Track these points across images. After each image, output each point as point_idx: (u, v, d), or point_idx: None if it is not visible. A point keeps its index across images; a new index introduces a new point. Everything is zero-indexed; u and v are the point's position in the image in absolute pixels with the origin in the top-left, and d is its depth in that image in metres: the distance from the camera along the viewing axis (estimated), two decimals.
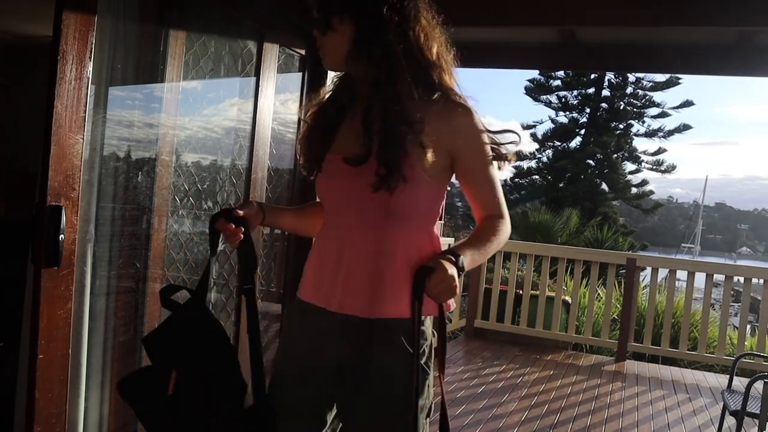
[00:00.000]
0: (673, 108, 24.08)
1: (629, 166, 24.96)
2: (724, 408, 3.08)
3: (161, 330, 1.34)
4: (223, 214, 1.31)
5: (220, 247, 2.64)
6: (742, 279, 5.17)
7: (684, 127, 24.16)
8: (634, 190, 24.68)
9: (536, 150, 26.02)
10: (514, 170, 26.60)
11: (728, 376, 3.35)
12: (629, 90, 24.19)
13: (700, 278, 5.43)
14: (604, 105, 24.55)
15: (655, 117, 24.26)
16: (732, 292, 5.47)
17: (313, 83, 3.10)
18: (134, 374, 1.34)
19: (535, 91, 24.92)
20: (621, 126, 24.68)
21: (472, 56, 4.71)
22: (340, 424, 1.40)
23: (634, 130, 24.78)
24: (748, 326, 5.82)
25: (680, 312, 5.77)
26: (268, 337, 3.04)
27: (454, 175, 1.37)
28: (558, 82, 24.68)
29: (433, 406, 1.34)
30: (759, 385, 2.73)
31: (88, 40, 1.79)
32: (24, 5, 3.01)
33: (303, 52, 3.03)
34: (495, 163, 1.34)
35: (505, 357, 5.09)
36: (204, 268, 1.38)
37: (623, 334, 5.30)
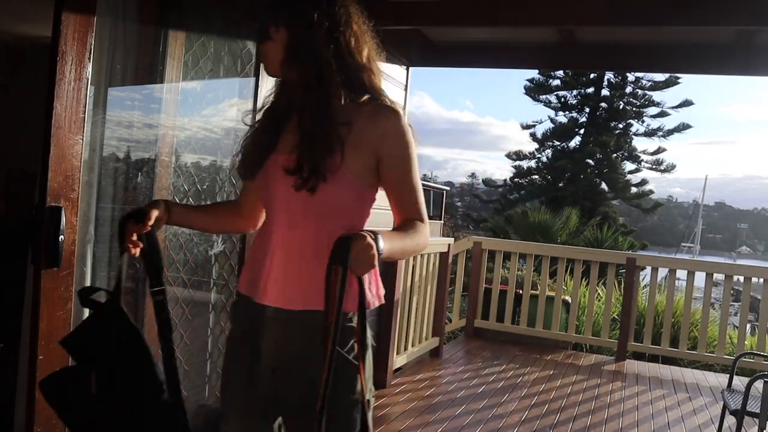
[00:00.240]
0: (673, 107, 24.10)
1: (629, 166, 24.99)
2: (724, 407, 3.08)
3: (79, 330, 1.38)
4: (133, 215, 1.34)
5: (219, 248, 2.64)
6: (741, 278, 5.17)
7: (683, 127, 24.17)
8: (633, 189, 24.68)
9: (536, 150, 26.04)
10: (513, 170, 26.63)
11: (728, 376, 3.35)
12: (629, 89, 24.20)
13: (699, 277, 5.43)
14: (603, 104, 24.56)
15: (654, 116, 24.28)
16: (732, 292, 5.47)
17: None
18: (56, 374, 1.36)
19: (534, 90, 24.93)
20: (620, 125, 24.69)
21: (472, 56, 4.75)
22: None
23: (633, 129, 24.80)
24: (748, 325, 5.82)
25: (680, 311, 5.77)
26: None
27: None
28: (557, 82, 24.69)
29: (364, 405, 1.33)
30: (759, 385, 2.73)
31: (87, 40, 1.79)
32: (23, 6, 3.01)
33: None
34: (419, 169, 1.38)
35: (505, 357, 5.09)
36: (117, 268, 1.40)
37: (623, 333, 5.30)
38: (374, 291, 1.39)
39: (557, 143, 25.58)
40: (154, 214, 1.34)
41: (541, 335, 5.60)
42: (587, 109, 24.79)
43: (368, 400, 1.32)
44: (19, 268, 1.95)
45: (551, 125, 25.47)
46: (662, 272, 5.74)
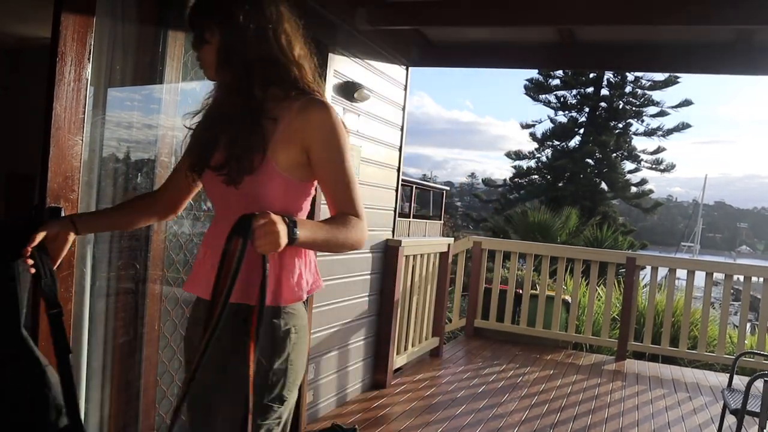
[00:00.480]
0: (672, 107, 24.11)
1: (628, 165, 24.99)
2: (725, 407, 3.08)
3: None
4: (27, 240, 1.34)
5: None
6: (741, 277, 5.17)
7: (683, 126, 24.18)
8: (633, 189, 24.69)
9: (535, 149, 26.04)
10: (513, 170, 26.64)
11: (728, 375, 3.35)
12: (628, 89, 24.21)
13: (699, 277, 5.43)
14: (603, 104, 24.56)
15: (654, 116, 24.29)
16: (732, 291, 5.47)
17: None
18: None
19: (534, 90, 24.94)
20: (620, 125, 24.70)
21: (472, 56, 4.75)
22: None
23: (633, 129, 24.81)
24: (748, 325, 5.82)
25: (680, 311, 5.77)
26: None
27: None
28: (557, 82, 24.70)
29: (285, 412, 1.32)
30: (759, 384, 2.73)
31: (86, 41, 1.79)
32: (23, 7, 3.01)
33: None
34: (352, 161, 1.37)
35: (505, 357, 5.09)
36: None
37: (623, 333, 5.30)
38: (298, 282, 1.35)
39: (557, 143, 25.59)
40: (39, 236, 1.35)
41: (541, 335, 5.60)
42: (587, 109, 24.80)
43: (270, 407, 1.29)
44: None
45: (551, 125, 25.50)
46: (662, 272, 5.74)
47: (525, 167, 26.27)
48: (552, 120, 25.44)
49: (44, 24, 1.78)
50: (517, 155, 26.55)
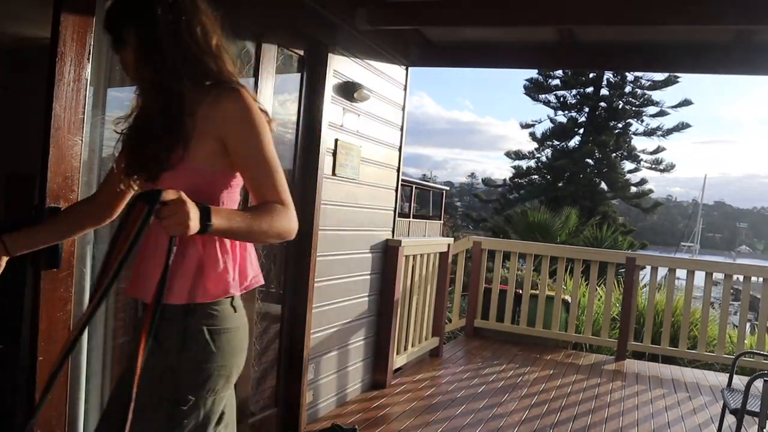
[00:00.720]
0: (672, 107, 24.12)
1: (628, 165, 25.00)
2: (724, 406, 3.08)
3: None
4: None
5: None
6: (741, 277, 5.17)
7: (683, 126, 24.19)
8: (633, 189, 24.69)
9: (535, 149, 26.04)
10: (513, 170, 26.64)
11: (728, 375, 3.36)
12: (628, 89, 24.21)
13: (699, 277, 5.43)
14: (602, 104, 24.56)
15: (653, 116, 24.29)
16: (731, 291, 5.48)
17: (312, 83, 3.10)
18: None
19: (533, 90, 24.94)
20: (620, 125, 24.70)
21: (471, 56, 4.74)
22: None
23: (632, 129, 24.81)
24: (748, 324, 5.82)
25: (680, 311, 5.77)
26: (268, 337, 3.04)
27: None
28: (557, 82, 24.70)
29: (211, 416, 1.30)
30: (759, 384, 2.73)
31: (86, 41, 1.79)
32: (22, 7, 3.01)
33: (302, 52, 3.03)
34: (273, 148, 1.33)
35: (505, 356, 5.10)
36: None
37: (623, 333, 5.30)
38: (221, 278, 1.30)
39: (557, 143, 25.59)
40: None
41: (541, 335, 5.60)
42: (586, 109, 24.80)
43: (178, 410, 1.26)
44: (18, 269, 1.95)
45: (550, 125, 25.50)
46: (662, 271, 5.74)
47: (525, 167, 26.27)
48: (552, 120, 25.45)
49: (44, 24, 1.78)
50: (516, 155, 26.55)
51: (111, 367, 2.14)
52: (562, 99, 24.95)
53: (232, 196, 1.36)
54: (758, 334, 5.26)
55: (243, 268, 1.36)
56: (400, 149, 4.14)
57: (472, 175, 76.23)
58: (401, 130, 4.13)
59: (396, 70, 4.00)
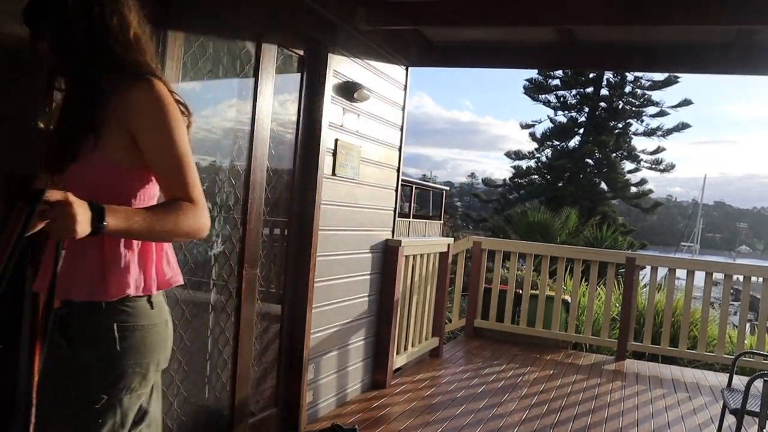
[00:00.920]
0: (672, 107, 24.13)
1: (628, 165, 25.01)
2: (724, 406, 3.08)
3: None
4: None
5: (219, 248, 2.64)
6: (741, 277, 5.17)
7: (683, 126, 24.20)
8: (633, 189, 24.70)
9: (535, 149, 26.05)
10: (513, 170, 26.65)
11: (728, 375, 3.36)
12: (628, 89, 24.22)
13: (699, 277, 5.43)
14: (602, 104, 24.57)
15: (653, 116, 24.30)
16: (731, 291, 5.48)
17: (312, 83, 3.10)
18: None
19: (533, 90, 24.94)
20: (620, 125, 24.71)
21: (471, 56, 4.74)
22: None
23: (632, 129, 24.82)
24: (748, 325, 5.82)
25: (680, 311, 5.78)
26: (268, 337, 3.04)
27: None
28: (557, 82, 24.71)
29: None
30: (759, 384, 2.73)
31: None
32: (22, 7, 3.01)
33: (301, 52, 3.03)
34: (186, 143, 1.27)
35: (505, 357, 5.10)
36: None
37: (623, 333, 5.30)
38: (123, 276, 1.25)
39: (556, 143, 25.60)
40: None
41: (540, 335, 5.60)
42: (586, 109, 24.81)
43: (89, 408, 1.24)
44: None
45: (550, 125, 25.51)
46: (662, 272, 5.74)
47: (525, 167, 26.28)
48: (552, 120, 25.46)
49: None
50: (516, 155, 26.56)
51: None
52: (562, 99, 24.96)
53: (147, 193, 1.31)
54: (758, 334, 5.26)
55: (159, 267, 1.32)
56: (400, 149, 4.14)
57: (472, 175, 76.25)
58: (401, 130, 4.13)
59: (396, 70, 4.00)
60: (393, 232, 4.09)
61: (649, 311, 5.35)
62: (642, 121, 24.53)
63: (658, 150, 24.85)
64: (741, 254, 69.58)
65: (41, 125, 1.41)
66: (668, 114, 24.11)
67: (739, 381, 3.34)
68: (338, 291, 3.46)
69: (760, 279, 5.06)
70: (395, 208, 4.13)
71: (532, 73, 24.96)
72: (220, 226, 2.63)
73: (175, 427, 2.45)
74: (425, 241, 6.51)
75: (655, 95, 24.06)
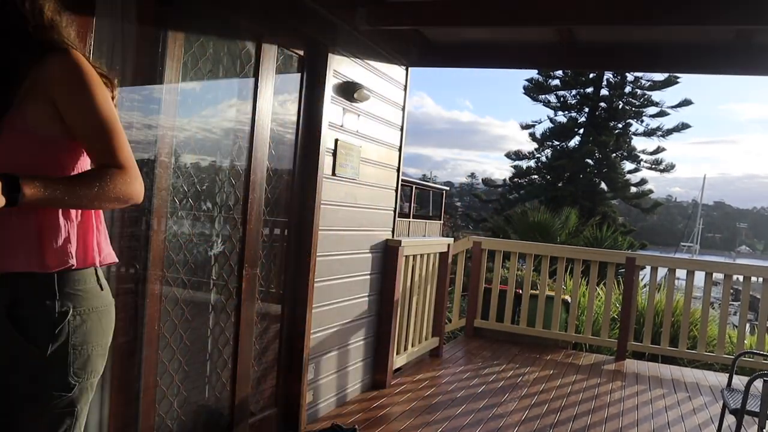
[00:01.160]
0: (672, 107, 24.15)
1: (628, 165, 25.03)
2: (724, 406, 3.08)
3: None
4: None
5: (219, 248, 2.64)
6: (741, 277, 5.17)
7: (683, 126, 24.22)
8: (633, 189, 24.71)
9: (535, 149, 26.07)
10: (513, 170, 26.65)
11: (728, 375, 3.36)
12: (628, 89, 24.23)
13: (699, 277, 5.43)
14: (602, 104, 24.58)
15: (653, 116, 24.32)
16: (731, 291, 5.48)
17: (312, 84, 3.10)
18: None
19: (533, 90, 24.96)
20: (620, 125, 24.72)
21: (471, 56, 4.74)
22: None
23: (632, 129, 24.84)
24: (748, 325, 5.82)
25: (680, 311, 5.78)
26: (268, 337, 3.04)
27: None
28: (557, 82, 24.73)
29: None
30: (759, 384, 2.73)
31: (86, 41, 1.79)
32: None
33: (301, 52, 3.03)
34: (110, 107, 1.26)
35: (504, 356, 5.10)
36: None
37: (623, 333, 5.30)
38: (63, 247, 1.25)
39: (556, 143, 25.61)
40: None
41: (540, 335, 5.60)
42: (586, 109, 24.82)
43: (51, 395, 1.24)
44: None
45: (550, 125, 25.53)
46: (662, 272, 5.74)
47: (525, 167, 26.29)
48: (552, 120, 25.48)
49: None
50: (516, 155, 26.57)
51: (110, 368, 2.14)
52: (562, 99, 24.98)
53: (84, 165, 1.30)
54: (758, 334, 5.27)
55: (99, 241, 1.32)
56: (400, 149, 4.14)
57: (472, 175, 76.25)
58: (401, 130, 4.13)
59: (396, 70, 4.00)
60: (393, 232, 4.10)
61: (649, 311, 5.35)
62: (642, 121, 24.56)
63: (658, 150, 24.87)
64: (741, 254, 69.60)
65: None
66: (668, 114, 24.16)
67: (739, 381, 3.34)
68: (338, 291, 3.46)
69: (760, 279, 5.06)
70: (395, 208, 4.13)
71: (532, 73, 25.00)
72: (220, 226, 2.63)
73: (175, 427, 2.45)
74: (425, 241, 6.51)
75: (655, 95, 24.10)
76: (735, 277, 5.26)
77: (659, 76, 23.23)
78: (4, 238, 1.21)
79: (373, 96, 3.60)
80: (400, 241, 3.95)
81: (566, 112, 25.17)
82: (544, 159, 25.83)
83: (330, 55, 3.12)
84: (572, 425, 3.55)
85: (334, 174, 3.27)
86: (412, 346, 4.44)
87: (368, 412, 3.52)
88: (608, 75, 23.64)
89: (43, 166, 1.24)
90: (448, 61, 4.38)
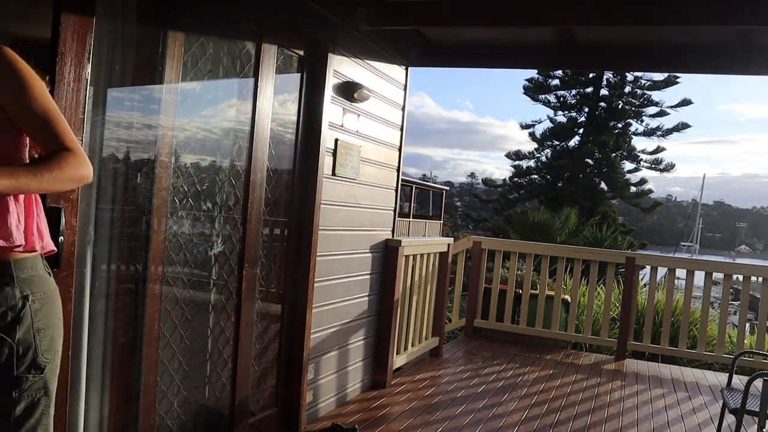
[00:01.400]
0: (672, 107, 24.15)
1: (628, 165, 25.03)
2: (724, 406, 3.08)
3: None
4: None
5: (219, 248, 2.64)
6: (741, 277, 5.17)
7: (682, 126, 24.22)
8: (632, 188, 24.71)
9: (535, 149, 26.06)
10: (513, 170, 26.65)
11: (728, 374, 3.36)
12: (628, 89, 24.23)
13: (699, 277, 5.43)
14: (602, 104, 24.58)
15: (653, 116, 24.32)
16: (731, 290, 5.48)
17: (312, 83, 3.10)
18: None
19: (533, 90, 24.95)
20: (619, 125, 24.72)
21: (471, 56, 4.74)
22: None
23: (632, 129, 24.83)
24: (747, 324, 5.82)
25: (679, 310, 5.78)
26: (268, 337, 3.04)
27: None
28: (556, 82, 24.72)
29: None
30: (758, 383, 2.73)
31: (86, 41, 1.79)
32: (23, 7, 3.01)
33: (301, 52, 3.03)
34: (49, 98, 1.32)
35: (504, 356, 5.10)
36: None
37: (623, 332, 5.30)
38: (17, 227, 1.30)
39: (556, 143, 25.61)
40: None
41: (540, 334, 5.60)
42: (586, 109, 24.82)
43: (24, 378, 1.29)
44: None
45: (550, 125, 25.52)
46: (661, 271, 5.74)
47: (525, 167, 26.29)
48: (551, 120, 25.47)
49: (44, 24, 1.78)
50: (516, 155, 26.57)
51: (111, 368, 2.14)
52: (561, 99, 24.97)
53: (27, 152, 1.36)
54: (758, 334, 5.27)
55: (40, 228, 1.37)
56: (400, 149, 4.14)
57: (472, 175, 76.26)
58: (401, 130, 4.13)
59: (396, 70, 4.00)
60: (393, 232, 4.10)
61: (648, 311, 5.35)
62: (642, 121, 24.55)
63: (658, 150, 24.86)
64: (741, 254, 69.58)
65: None
66: (668, 114, 24.16)
67: (739, 380, 3.34)
68: (338, 291, 3.46)
69: (760, 278, 5.06)
70: (395, 208, 4.13)
71: (532, 73, 24.99)
72: (220, 226, 2.63)
73: (175, 427, 2.45)
74: (425, 241, 6.51)
75: (655, 95, 24.10)
76: (735, 276, 5.26)
77: (659, 76, 23.24)
78: None
79: (373, 96, 3.60)
80: (400, 241, 3.96)
81: (566, 112, 25.18)
82: (544, 159, 25.83)
83: (330, 55, 3.12)
84: (572, 425, 3.55)
85: (334, 174, 3.27)
86: (412, 345, 4.44)
87: (368, 412, 3.52)
88: (608, 75, 23.64)
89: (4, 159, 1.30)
90: (448, 61, 4.38)
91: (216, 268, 2.63)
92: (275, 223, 3.01)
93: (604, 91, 24.48)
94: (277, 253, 3.05)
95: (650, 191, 25.32)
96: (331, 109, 3.18)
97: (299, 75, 3.07)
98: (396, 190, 4.12)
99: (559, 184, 24.67)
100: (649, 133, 24.42)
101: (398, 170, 4.14)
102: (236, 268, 2.68)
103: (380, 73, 3.76)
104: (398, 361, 4.20)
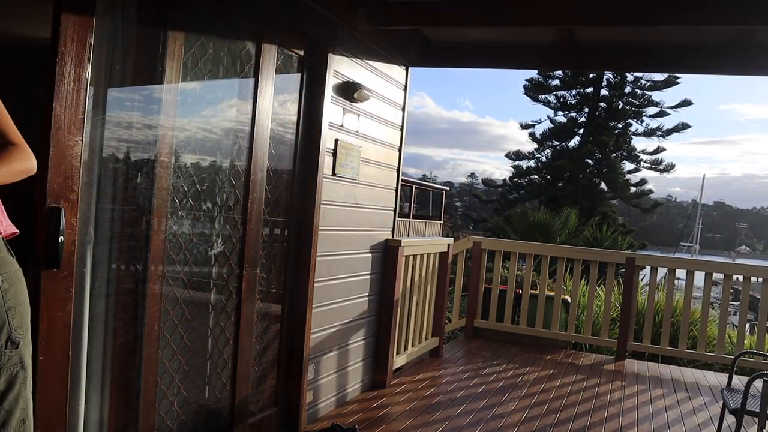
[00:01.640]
0: (672, 107, 24.15)
1: (628, 166, 25.03)
2: (724, 406, 3.08)
3: None
4: None
5: (219, 248, 2.64)
6: (741, 277, 5.17)
7: (683, 126, 24.22)
8: (632, 189, 24.71)
9: (535, 150, 26.06)
10: (513, 170, 26.65)
11: (728, 375, 3.36)
12: (628, 89, 24.23)
13: (699, 277, 5.43)
14: (602, 104, 24.58)
15: (653, 116, 24.32)
16: (731, 291, 5.48)
17: (312, 84, 3.10)
18: None
19: (533, 90, 24.96)
20: (620, 125, 24.72)
21: (471, 56, 4.74)
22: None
23: (632, 129, 24.83)
24: (747, 325, 5.82)
25: (679, 311, 5.78)
26: (268, 337, 3.04)
27: None
28: (556, 82, 24.73)
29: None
30: (758, 383, 2.73)
31: (86, 41, 1.79)
32: (23, 7, 3.01)
33: (302, 52, 3.03)
34: None
35: (504, 356, 5.10)
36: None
37: (623, 333, 5.30)
38: None
39: (556, 143, 25.61)
40: None
41: (540, 335, 5.60)
42: (586, 109, 24.82)
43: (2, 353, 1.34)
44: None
45: (550, 125, 25.53)
46: (661, 272, 5.74)
47: (525, 167, 26.29)
48: (552, 120, 25.48)
49: (44, 24, 1.78)
50: (516, 155, 26.57)
51: (111, 368, 2.14)
52: (562, 99, 24.98)
53: None
54: (758, 334, 5.27)
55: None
56: (400, 149, 4.14)
57: (472, 175, 76.28)
58: (401, 130, 4.13)
59: (396, 70, 4.00)
60: (393, 232, 4.10)
61: (648, 311, 5.35)
62: (642, 122, 24.56)
63: (658, 150, 24.87)
64: (741, 254, 69.61)
65: None
66: (668, 114, 24.17)
67: (739, 381, 3.34)
68: (338, 291, 3.46)
69: (760, 279, 5.06)
70: (395, 208, 4.13)
71: (532, 73, 25.00)
72: (220, 226, 2.63)
73: (175, 427, 2.45)
74: (425, 241, 6.50)
75: (655, 95, 24.11)
76: (735, 277, 5.26)
77: (659, 76, 23.25)
78: None
79: (373, 96, 3.60)
80: (400, 241, 3.96)
81: (566, 112, 25.18)
82: (544, 159, 25.83)
83: (330, 55, 3.12)
84: (572, 425, 3.55)
85: (334, 174, 3.27)
86: (412, 346, 4.44)
87: (368, 412, 3.52)
88: (608, 75, 23.64)
89: None
90: (448, 61, 4.38)
91: (216, 268, 2.63)
92: (275, 223, 3.01)
93: (604, 92, 24.49)
94: (277, 253, 3.05)
95: (650, 191, 25.34)
96: (331, 109, 3.18)
97: (299, 75, 3.07)
98: (396, 191, 4.12)
99: (559, 185, 24.67)
100: (649, 133, 24.43)
101: (398, 170, 4.14)
102: (236, 268, 2.68)
103: (380, 73, 3.76)
104: (398, 361, 4.20)
